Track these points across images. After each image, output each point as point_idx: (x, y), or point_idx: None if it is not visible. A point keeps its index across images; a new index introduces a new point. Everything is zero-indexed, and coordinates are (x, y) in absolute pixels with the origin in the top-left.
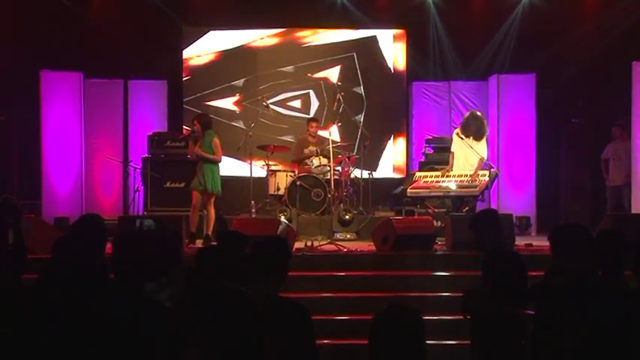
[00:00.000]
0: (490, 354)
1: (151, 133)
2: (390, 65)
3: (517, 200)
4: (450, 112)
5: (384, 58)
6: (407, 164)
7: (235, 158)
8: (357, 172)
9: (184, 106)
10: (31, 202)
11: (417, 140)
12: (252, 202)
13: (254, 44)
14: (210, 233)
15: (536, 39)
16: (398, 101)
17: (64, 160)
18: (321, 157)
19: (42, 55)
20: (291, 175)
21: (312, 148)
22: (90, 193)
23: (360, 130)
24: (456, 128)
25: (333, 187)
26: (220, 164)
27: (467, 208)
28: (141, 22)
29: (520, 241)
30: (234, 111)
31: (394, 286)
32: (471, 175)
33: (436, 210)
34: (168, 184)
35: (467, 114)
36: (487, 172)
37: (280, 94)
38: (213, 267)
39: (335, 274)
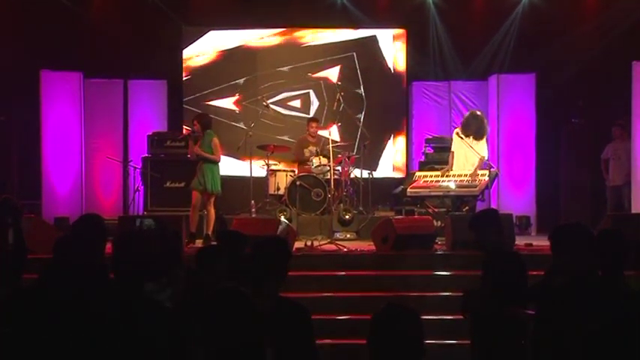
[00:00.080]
0: (490, 354)
1: (150, 133)
2: (390, 65)
3: (517, 200)
4: (450, 112)
5: (384, 58)
6: (407, 164)
7: (235, 158)
8: (357, 172)
9: (184, 105)
10: (31, 202)
11: (417, 140)
12: (252, 201)
13: (254, 44)
14: (210, 233)
15: (536, 39)
16: (398, 101)
17: (64, 160)
18: (321, 157)
19: (42, 55)
20: (291, 175)
21: (312, 148)
22: (90, 193)
23: (360, 129)
24: (456, 128)
25: (333, 186)
26: (220, 164)
27: (467, 208)
28: (141, 22)
29: (520, 241)
30: (234, 111)
31: (394, 286)
32: (470, 175)
33: (436, 210)
34: (168, 184)
35: (467, 114)
36: (487, 172)
37: (280, 93)
38: (213, 267)
39: (335, 274)
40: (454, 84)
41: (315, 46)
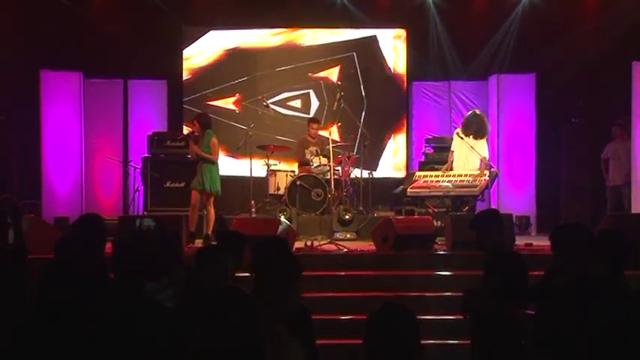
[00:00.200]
0: (490, 354)
1: (150, 133)
2: (390, 65)
3: (517, 200)
4: (450, 112)
5: (384, 58)
6: (407, 164)
7: (235, 158)
8: (357, 172)
9: (184, 105)
10: (31, 202)
11: (417, 140)
12: (252, 201)
13: (254, 44)
14: (210, 233)
15: (536, 39)
16: (398, 101)
17: (64, 160)
18: (321, 157)
19: (42, 54)
20: (291, 175)
21: (312, 148)
22: (90, 193)
23: (360, 129)
24: (456, 128)
25: (333, 186)
26: (220, 164)
27: (467, 208)
28: (141, 22)
29: (520, 241)
30: (234, 111)
31: (394, 286)
32: (473, 175)
33: (436, 210)
34: (168, 184)
35: (468, 113)
36: (487, 172)
37: (280, 93)
38: (213, 267)
39: (335, 274)
40: (454, 84)
41: (315, 46)
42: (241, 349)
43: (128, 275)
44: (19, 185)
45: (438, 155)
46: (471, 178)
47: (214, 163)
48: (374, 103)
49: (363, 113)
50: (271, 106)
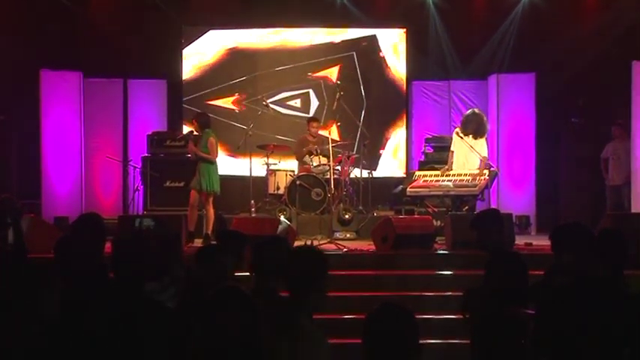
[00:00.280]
0: (490, 354)
1: (150, 133)
2: (390, 65)
3: (517, 199)
4: (450, 112)
5: (384, 57)
6: (407, 163)
7: (235, 157)
8: (356, 172)
9: (184, 105)
10: (31, 202)
11: (416, 139)
12: (252, 201)
13: (254, 43)
14: (209, 233)
15: (535, 38)
16: (398, 100)
17: (63, 160)
18: (320, 157)
19: (42, 54)
20: (290, 175)
21: (310, 146)
22: (90, 193)
23: (359, 129)
24: (456, 127)
25: (332, 186)
26: (220, 164)
27: (466, 208)
28: (140, 22)
29: (520, 241)
30: (233, 110)
31: (394, 286)
32: (473, 174)
33: (436, 209)
34: (167, 184)
35: (467, 112)
36: (487, 172)
37: (280, 93)
38: (213, 266)
39: (335, 273)
40: (454, 83)
41: (314, 45)
42: (241, 349)
43: (128, 275)
44: (19, 185)
45: (438, 155)
46: (470, 178)
47: (213, 162)
48: (374, 103)
49: (363, 113)
50: (271, 105)
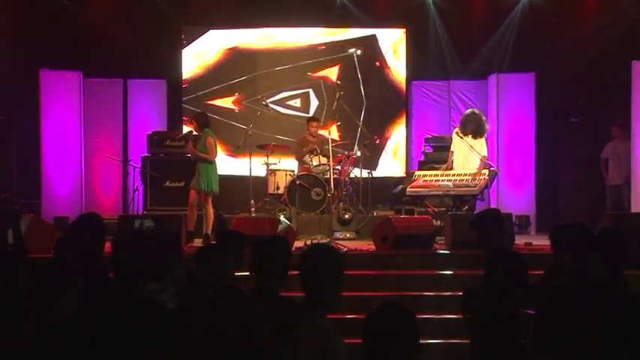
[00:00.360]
0: (490, 354)
1: (150, 133)
2: (390, 64)
3: (516, 199)
4: (450, 112)
5: (383, 57)
6: (406, 163)
7: (235, 157)
8: (356, 171)
9: (184, 105)
10: (31, 202)
11: (416, 139)
12: (252, 201)
13: (253, 43)
14: (209, 232)
15: (535, 38)
16: (397, 100)
17: (63, 160)
18: (320, 156)
19: (41, 54)
20: (290, 175)
21: (311, 146)
22: (90, 193)
23: (359, 129)
24: (455, 127)
25: (332, 186)
26: (220, 163)
27: (466, 207)
28: (140, 21)
29: (520, 240)
30: (233, 110)
31: (394, 286)
32: (473, 174)
33: (436, 209)
34: (167, 184)
35: (466, 111)
36: (486, 171)
37: (280, 93)
38: (212, 266)
39: None
40: (454, 83)
41: (314, 45)
42: (241, 349)
43: (128, 275)
44: (19, 185)
45: (438, 155)
46: (470, 178)
47: (211, 162)
48: (373, 103)
49: (363, 112)
50: (271, 105)
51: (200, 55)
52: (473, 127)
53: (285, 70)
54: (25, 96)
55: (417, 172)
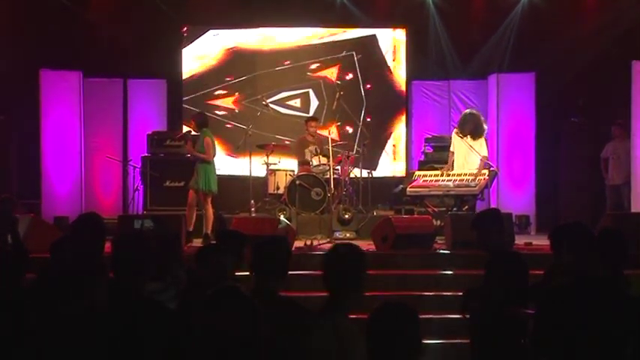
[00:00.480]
0: (490, 354)
1: (150, 133)
2: (390, 64)
3: (516, 199)
4: (450, 111)
5: (383, 57)
6: (406, 163)
7: (235, 157)
8: (356, 171)
9: (184, 105)
10: (31, 202)
11: (416, 139)
12: (252, 201)
13: (253, 43)
14: (209, 232)
15: (535, 38)
16: (397, 100)
17: (63, 160)
18: (320, 156)
19: (41, 54)
20: (290, 175)
21: (311, 147)
22: (89, 193)
23: (359, 129)
24: (455, 128)
25: (332, 186)
26: (220, 163)
27: (466, 207)
28: (140, 21)
29: (519, 240)
30: (233, 110)
31: (394, 286)
32: (472, 174)
33: (436, 209)
34: (167, 183)
35: (464, 112)
36: (486, 171)
37: (280, 93)
38: (212, 266)
39: None
40: (454, 83)
41: (314, 45)
42: (241, 349)
43: (128, 275)
44: (19, 185)
45: (438, 154)
46: (470, 178)
47: (209, 162)
48: (373, 103)
49: (363, 112)
50: (271, 105)
51: (200, 55)
52: (471, 128)
53: (284, 70)
54: (25, 96)
55: (417, 172)
